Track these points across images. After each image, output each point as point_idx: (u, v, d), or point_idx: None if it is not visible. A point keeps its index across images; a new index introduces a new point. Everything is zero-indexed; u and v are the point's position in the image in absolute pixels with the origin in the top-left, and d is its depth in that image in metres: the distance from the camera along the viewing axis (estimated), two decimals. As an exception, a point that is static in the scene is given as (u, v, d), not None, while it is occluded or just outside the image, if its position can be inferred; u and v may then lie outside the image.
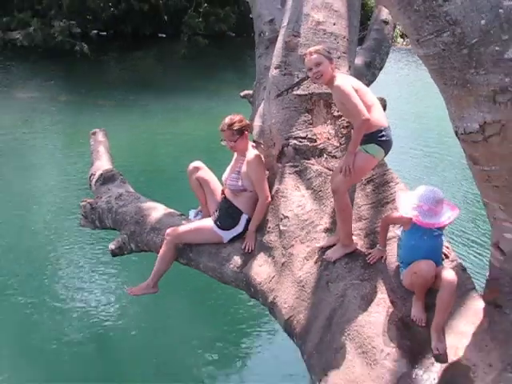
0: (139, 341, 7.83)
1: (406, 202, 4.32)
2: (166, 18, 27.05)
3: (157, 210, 6.12)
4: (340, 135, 5.32)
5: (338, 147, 5.28)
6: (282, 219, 5.17)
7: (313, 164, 5.26)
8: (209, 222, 5.55)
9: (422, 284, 4.26)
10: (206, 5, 27.48)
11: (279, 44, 5.74)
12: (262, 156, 5.51)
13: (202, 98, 18.10)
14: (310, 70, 4.67)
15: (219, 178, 5.73)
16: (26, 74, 21.82)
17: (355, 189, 5.06)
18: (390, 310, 4.43)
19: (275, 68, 5.65)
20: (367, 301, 4.51)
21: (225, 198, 5.53)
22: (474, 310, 4.23)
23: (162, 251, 5.60)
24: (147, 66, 24.34)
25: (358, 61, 7.14)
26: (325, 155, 5.27)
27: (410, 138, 15.52)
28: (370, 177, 5.12)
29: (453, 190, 11.35)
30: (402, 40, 24.06)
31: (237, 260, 5.34)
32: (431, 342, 4.07)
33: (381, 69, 7.87)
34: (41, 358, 7.42)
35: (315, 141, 5.29)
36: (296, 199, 5.19)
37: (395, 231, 4.74)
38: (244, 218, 5.42)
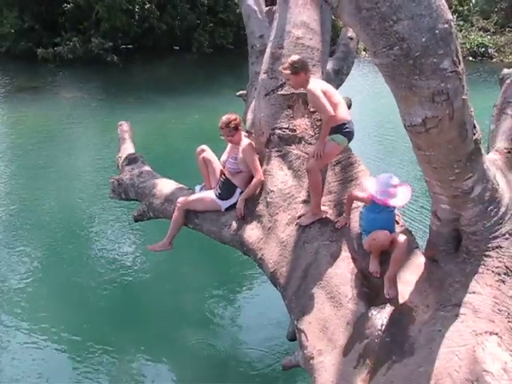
0: (156, 288, 7.86)
1: (369, 184, 4.37)
2: (179, 33, 27.09)
3: (170, 185, 6.11)
4: (315, 126, 5.32)
5: (313, 136, 5.28)
6: (268, 193, 5.18)
7: (293, 149, 5.26)
8: (211, 194, 5.57)
9: (378, 248, 4.32)
10: (211, 24, 27.79)
11: (267, 54, 5.72)
12: (253, 143, 5.50)
13: (207, 97, 18.08)
14: (287, 80, 4.90)
15: (219, 159, 5.73)
16: (70, 79, 22.00)
17: (327, 169, 5.06)
18: (352, 264, 4.46)
19: (264, 73, 5.63)
20: (335, 257, 4.55)
21: (224, 176, 5.53)
22: (417, 264, 4.27)
23: (174, 216, 5.64)
24: (164, 72, 24.31)
25: (329, 68, 7.10)
26: (303, 142, 5.27)
27: (371, 128, 15.54)
28: (338, 159, 5.12)
29: (408, 168, 11.37)
30: (364, 53, 23.91)
31: (233, 225, 5.35)
32: (384, 289, 4.09)
33: (347, 75, 7.84)
34: (78, 303, 7.45)
35: (295, 131, 5.29)
36: (280, 177, 5.19)
37: (358, 203, 4.75)
38: (238, 191, 5.44)
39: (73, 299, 7.56)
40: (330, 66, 7.18)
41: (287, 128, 5.30)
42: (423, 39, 2.86)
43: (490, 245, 3.80)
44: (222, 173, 5.58)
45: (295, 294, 4.57)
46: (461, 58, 3.06)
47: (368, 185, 4.40)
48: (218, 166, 5.69)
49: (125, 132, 7.15)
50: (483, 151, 3.61)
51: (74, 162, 12.85)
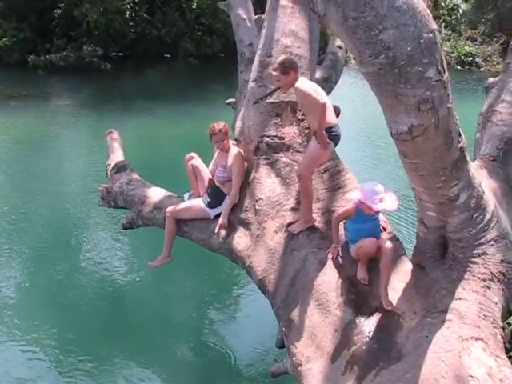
0: (145, 295, 7.84)
1: (354, 192, 4.44)
2: (169, 41, 27.14)
3: (159, 193, 6.10)
4: (303, 134, 5.33)
5: (301, 144, 5.29)
6: (257, 200, 5.18)
7: (282, 157, 5.27)
8: (199, 202, 5.57)
9: (365, 255, 4.34)
10: (199, 33, 27.83)
11: (256, 62, 5.73)
12: (242, 151, 5.51)
13: (198, 105, 18.09)
14: (277, 81, 4.85)
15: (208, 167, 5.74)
16: (61, 87, 21.92)
17: (315, 177, 5.07)
18: (341, 271, 4.47)
19: (252, 81, 5.65)
20: (323, 265, 4.56)
21: (214, 184, 5.53)
22: (404, 270, 4.29)
23: (166, 226, 5.64)
24: (155, 79, 24.27)
25: (318, 76, 7.13)
26: (291, 150, 5.28)
27: (360, 136, 15.59)
28: (326, 167, 5.14)
29: (400, 175, 11.35)
30: (354, 61, 24.05)
31: (222, 233, 5.34)
32: (381, 301, 4.04)
33: (336, 83, 7.89)
34: (67, 310, 7.41)
35: (283, 138, 5.30)
36: (268, 185, 5.20)
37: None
38: (227, 199, 5.43)
39: (61, 306, 7.52)
40: (318, 74, 7.21)
41: (275, 136, 5.31)
42: (408, 48, 2.89)
43: (475, 251, 3.84)
44: (210, 181, 5.58)
45: (283, 302, 4.57)
46: (445, 66, 3.09)
47: (353, 195, 4.44)
48: (206, 173, 5.68)
49: (114, 140, 7.14)
50: (468, 159, 3.64)
51: (63, 169, 12.83)
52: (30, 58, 24.14)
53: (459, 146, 3.41)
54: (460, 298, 3.73)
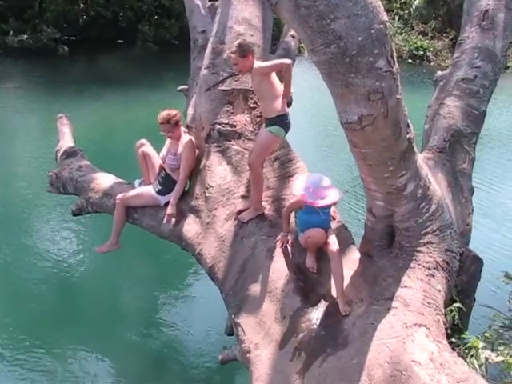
0: (94, 285, 7.71)
1: (300, 185, 4.34)
2: (124, 25, 26.46)
3: (109, 180, 6.01)
4: (254, 122, 5.32)
5: (252, 132, 5.28)
6: (207, 188, 5.16)
7: (233, 145, 5.26)
8: (150, 189, 5.52)
9: (314, 245, 4.36)
10: (156, 17, 27.19)
11: (208, 49, 5.68)
12: (193, 138, 5.46)
13: (151, 91, 17.86)
14: (234, 65, 4.76)
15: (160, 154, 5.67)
16: (14, 69, 21.31)
17: (266, 165, 5.07)
18: (289, 260, 4.49)
19: (205, 68, 5.60)
20: (272, 252, 4.56)
21: (164, 171, 5.47)
22: (352, 259, 4.34)
23: (115, 213, 5.57)
24: (108, 65, 23.83)
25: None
26: (242, 138, 5.27)
27: (313, 125, 15.68)
28: (277, 156, 5.15)
29: (349, 162, 11.42)
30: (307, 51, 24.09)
31: (172, 220, 5.29)
32: (340, 306, 3.97)
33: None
34: (13, 299, 7.24)
35: (235, 126, 5.28)
36: (219, 172, 5.18)
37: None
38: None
39: (7, 294, 7.33)
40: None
41: (227, 123, 5.28)
42: (359, 38, 2.90)
43: (421, 240, 3.91)
44: (161, 168, 5.52)
45: (233, 289, 4.57)
46: (395, 58, 3.12)
47: (297, 187, 4.36)
48: (157, 160, 5.61)
49: (64, 125, 6.98)
50: (416, 150, 3.69)
51: (11, 153, 12.47)
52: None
53: (407, 136, 3.45)
54: (405, 286, 3.79)
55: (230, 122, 5.28)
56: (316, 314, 4.01)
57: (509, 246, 8.66)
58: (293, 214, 4.62)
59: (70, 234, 9.01)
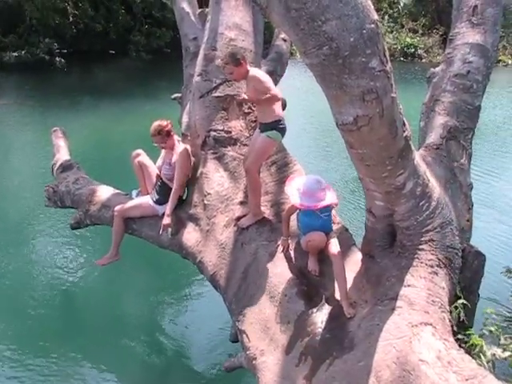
0: (97, 294, 7.66)
1: (294, 190, 4.26)
2: (114, 37, 26.56)
3: (106, 191, 6.02)
4: (250, 128, 5.32)
5: (248, 137, 5.28)
6: (205, 195, 5.15)
7: (229, 151, 5.25)
8: (147, 199, 5.52)
9: (315, 248, 4.33)
10: (146, 26, 27.31)
11: (200, 56, 5.70)
12: (189, 147, 5.44)
13: (145, 101, 17.88)
14: (229, 75, 4.72)
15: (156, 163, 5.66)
16: (5, 84, 21.31)
17: (263, 170, 5.05)
18: (291, 263, 4.46)
19: (198, 75, 5.60)
20: (274, 257, 4.53)
21: (161, 181, 5.45)
22: (354, 260, 4.31)
23: (114, 225, 5.58)
24: (101, 77, 23.87)
25: (263, 70, 7.08)
26: (238, 144, 5.27)
27: (308, 127, 15.66)
28: (274, 160, 5.14)
29: (348, 163, 11.39)
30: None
31: (168, 230, 5.28)
32: (344, 309, 3.93)
33: (281, 76, 7.85)
34: (14, 312, 7.18)
35: (230, 132, 5.28)
36: (216, 179, 5.17)
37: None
38: None
39: (7, 307, 7.28)
40: (263, 67, 7.17)
41: (222, 130, 5.28)
42: (351, 39, 2.88)
43: (422, 238, 3.89)
44: (158, 177, 5.50)
45: (235, 296, 4.55)
46: (388, 57, 3.10)
47: (292, 190, 4.27)
48: (153, 170, 5.60)
49: (59, 138, 6.98)
50: (413, 148, 3.68)
51: (6, 168, 12.43)
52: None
53: (404, 135, 3.43)
54: (409, 285, 3.77)
55: (225, 129, 5.28)
56: (320, 318, 3.98)
57: (512, 237, 8.62)
58: (294, 217, 4.59)
59: (69, 245, 8.96)
